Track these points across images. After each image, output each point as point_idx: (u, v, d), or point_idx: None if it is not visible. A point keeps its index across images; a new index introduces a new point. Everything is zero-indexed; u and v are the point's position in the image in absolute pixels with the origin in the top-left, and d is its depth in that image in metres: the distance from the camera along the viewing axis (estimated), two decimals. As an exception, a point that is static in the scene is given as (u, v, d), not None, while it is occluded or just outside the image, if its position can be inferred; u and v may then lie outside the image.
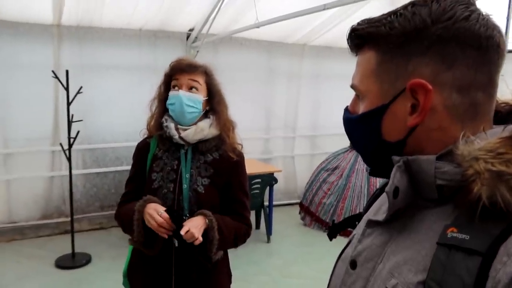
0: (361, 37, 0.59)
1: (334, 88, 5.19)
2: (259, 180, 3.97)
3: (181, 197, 1.37)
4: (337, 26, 4.48)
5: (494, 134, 0.50)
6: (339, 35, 4.65)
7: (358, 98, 0.63)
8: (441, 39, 0.52)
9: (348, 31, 0.61)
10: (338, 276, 0.67)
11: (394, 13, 0.56)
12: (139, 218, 1.30)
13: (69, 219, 3.62)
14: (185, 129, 1.39)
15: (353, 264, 0.63)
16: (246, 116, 4.43)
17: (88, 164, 4.19)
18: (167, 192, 1.38)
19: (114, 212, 1.51)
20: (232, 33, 4.09)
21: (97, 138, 4.18)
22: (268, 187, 4.16)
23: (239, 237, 1.42)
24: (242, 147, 1.51)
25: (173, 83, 1.42)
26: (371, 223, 0.62)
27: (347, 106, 0.66)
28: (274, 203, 4.42)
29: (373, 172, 0.66)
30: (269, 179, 4.10)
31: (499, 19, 0.55)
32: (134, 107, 4.00)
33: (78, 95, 3.40)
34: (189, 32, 4.41)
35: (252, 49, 4.80)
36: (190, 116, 1.39)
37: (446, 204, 0.53)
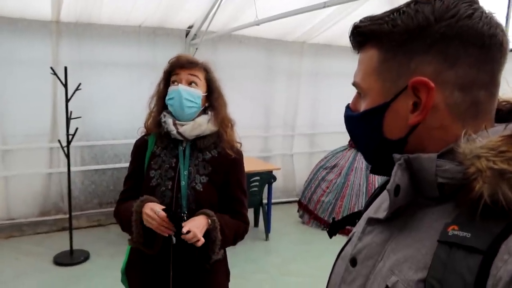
0: (364, 34, 0.59)
1: (334, 86, 5.21)
2: (257, 178, 3.97)
3: (179, 195, 1.37)
4: (337, 24, 4.48)
5: (496, 133, 0.50)
6: (339, 33, 4.65)
7: (359, 95, 0.63)
8: (444, 37, 0.52)
9: (350, 29, 0.61)
10: (338, 274, 0.67)
11: (397, 10, 0.56)
12: (137, 219, 1.29)
13: (67, 216, 3.62)
14: (183, 124, 1.38)
15: (353, 262, 0.63)
16: (245, 114, 4.43)
17: (87, 161, 4.19)
18: (165, 190, 1.37)
19: (112, 209, 1.51)
20: (232, 31, 4.08)
21: (96, 135, 4.17)
22: (266, 185, 4.16)
23: (238, 236, 1.42)
24: (241, 145, 1.51)
25: (172, 78, 1.41)
26: (372, 221, 0.62)
27: (349, 104, 0.66)
28: (273, 201, 4.42)
29: (374, 170, 0.65)
30: (267, 177, 4.10)
31: (499, 19, 0.55)
32: (133, 104, 4.00)
33: (77, 92, 3.39)
34: (188, 29, 4.40)
35: (252, 46, 4.79)
36: (189, 111, 1.38)
37: (447, 202, 0.53)
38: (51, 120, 3.96)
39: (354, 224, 0.76)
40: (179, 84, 1.38)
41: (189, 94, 1.37)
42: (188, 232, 1.21)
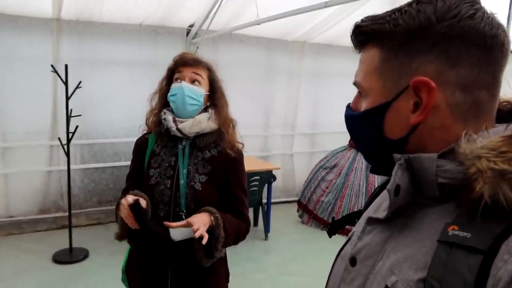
0: (365, 34, 0.59)
1: (334, 86, 5.20)
2: (257, 177, 3.97)
3: (178, 194, 1.36)
4: (338, 24, 4.47)
5: (497, 133, 0.50)
6: (340, 33, 4.65)
7: (360, 95, 0.63)
8: (446, 37, 0.52)
9: (352, 28, 0.61)
10: (337, 273, 0.67)
11: (399, 10, 0.55)
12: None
13: (67, 214, 3.62)
14: (183, 121, 1.38)
15: (352, 261, 0.63)
16: (245, 113, 4.43)
17: (86, 159, 4.19)
18: (164, 188, 1.37)
19: (112, 207, 1.51)
20: (232, 30, 4.08)
21: (96, 133, 4.17)
22: (266, 185, 4.16)
23: (240, 235, 1.42)
24: (243, 146, 1.50)
25: (175, 76, 1.41)
26: (372, 221, 0.62)
27: (349, 103, 0.66)
28: (272, 200, 4.42)
29: (374, 170, 0.65)
30: (267, 177, 4.10)
31: (500, 19, 0.55)
32: (134, 103, 4.00)
33: (77, 89, 3.39)
34: (189, 28, 4.40)
35: (252, 46, 4.79)
36: (191, 109, 1.38)
37: (447, 203, 0.53)
38: (51, 118, 3.96)
39: (353, 224, 0.76)
40: (182, 81, 1.38)
41: (192, 91, 1.37)
42: (197, 230, 1.20)
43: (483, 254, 0.44)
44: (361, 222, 0.68)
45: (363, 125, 0.62)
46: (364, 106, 0.61)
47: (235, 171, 1.44)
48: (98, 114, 4.11)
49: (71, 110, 3.38)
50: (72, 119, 3.39)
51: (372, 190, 3.72)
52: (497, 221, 0.45)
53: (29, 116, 3.84)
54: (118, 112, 4.18)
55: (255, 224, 4.36)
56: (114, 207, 1.25)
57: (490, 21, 0.52)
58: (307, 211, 4.56)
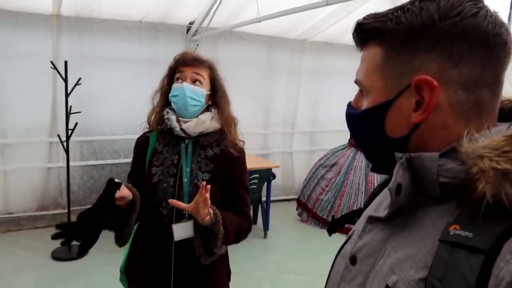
0: (367, 31, 0.58)
1: (334, 84, 5.20)
2: (257, 175, 3.97)
3: (181, 192, 1.36)
4: (339, 22, 4.46)
5: (499, 132, 0.50)
6: (340, 31, 4.64)
7: (362, 93, 0.62)
8: (448, 36, 0.51)
9: (354, 26, 0.60)
10: (337, 272, 0.67)
11: (401, 8, 0.55)
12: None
13: (65, 210, 3.62)
14: (186, 121, 1.38)
15: (353, 260, 0.63)
16: (245, 111, 4.40)
17: (86, 156, 4.18)
18: (167, 186, 1.36)
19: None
20: (233, 27, 4.07)
21: (95, 130, 4.16)
22: (266, 183, 4.16)
23: (241, 233, 1.41)
24: (244, 143, 1.50)
25: (177, 75, 1.41)
26: (372, 219, 0.62)
27: (350, 102, 0.66)
28: (272, 198, 4.42)
29: (375, 169, 0.65)
30: (267, 175, 4.10)
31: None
32: (133, 100, 3.99)
33: (77, 86, 3.39)
34: (189, 25, 4.39)
35: (253, 43, 4.78)
36: (192, 109, 1.38)
37: (448, 202, 0.52)
38: (50, 115, 3.95)
39: (353, 222, 0.76)
40: (184, 82, 1.37)
41: (193, 92, 1.37)
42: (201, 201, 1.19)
43: (484, 254, 0.43)
44: (361, 221, 0.68)
45: (364, 123, 0.61)
46: (365, 104, 0.60)
47: (237, 169, 1.44)
48: (98, 111, 4.10)
49: (70, 107, 3.37)
50: (71, 116, 3.38)
51: (372, 189, 3.72)
52: (499, 221, 0.45)
53: (29, 113, 3.84)
54: (117, 109, 4.17)
55: (254, 222, 4.36)
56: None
57: (493, 19, 0.52)
58: (307, 209, 4.56)
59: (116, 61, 4.13)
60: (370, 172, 4.15)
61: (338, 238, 0.70)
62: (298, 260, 3.63)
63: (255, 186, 4.00)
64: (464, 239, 0.46)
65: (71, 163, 3.62)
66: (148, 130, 1.50)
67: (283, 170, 5.20)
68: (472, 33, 0.51)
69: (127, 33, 4.12)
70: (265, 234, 4.11)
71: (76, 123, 3.38)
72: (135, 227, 1.44)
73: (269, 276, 3.34)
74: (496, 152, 0.46)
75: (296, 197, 4.93)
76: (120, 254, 1.53)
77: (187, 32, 4.42)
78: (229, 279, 1.53)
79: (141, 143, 1.48)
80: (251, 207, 4.20)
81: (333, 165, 4.52)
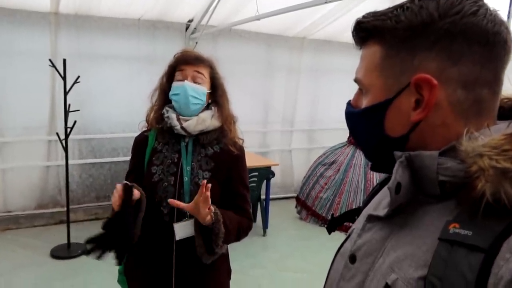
0: (367, 30, 0.58)
1: (334, 82, 5.20)
2: (256, 173, 3.97)
3: (182, 190, 1.36)
4: (338, 20, 4.45)
5: (498, 131, 0.50)
6: (340, 29, 4.63)
7: (361, 92, 0.62)
8: (448, 34, 0.51)
9: (353, 24, 0.60)
10: (337, 270, 0.67)
11: (401, 6, 0.55)
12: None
13: (64, 209, 3.62)
14: (187, 120, 1.37)
15: (352, 259, 0.63)
16: (244, 109, 4.39)
17: (84, 155, 4.18)
18: (167, 185, 1.36)
19: (109, 202, 1.49)
20: (232, 25, 4.07)
21: (94, 128, 4.16)
22: (265, 181, 4.16)
23: (242, 231, 1.41)
24: (243, 141, 1.50)
25: (177, 74, 1.40)
26: (372, 218, 0.62)
27: (350, 100, 0.66)
28: (271, 196, 4.42)
29: (374, 167, 0.65)
30: (266, 173, 4.10)
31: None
32: (132, 98, 3.98)
33: (75, 84, 3.38)
34: (188, 23, 4.38)
35: (252, 41, 4.77)
36: (194, 108, 1.38)
37: (448, 200, 0.52)
38: (49, 113, 3.94)
39: (353, 221, 0.76)
40: (185, 81, 1.37)
41: (195, 91, 1.37)
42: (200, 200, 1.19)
43: (484, 253, 0.44)
44: (360, 219, 0.68)
45: (363, 122, 0.61)
46: (364, 103, 0.60)
47: (237, 168, 1.44)
48: (97, 109, 4.10)
49: (69, 105, 3.36)
50: (70, 114, 3.37)
51: (371, 187, 3.72)
52: (498, 220, 0.45)
53: (27, 111, 3.83)
54: (116, 107, 4.16)
55: (254, 220, 4.37)
56: (112, 202, 1.24)
57: (493, 18, 0.52)
58: (306, 207, 4.57)
59: (114, 59, 4.12)
60: (369, 170, 4.15)
61: (338, 236, 0.70)
62: (297, 258, 3.64)
63: (254, 184, 4.00)
64: (463, 237, 0.46)
65: (70, 161, 3.61)
66: (146, 128, 1.49)
67: (282, 168, 5.20)
68: (471, 32, 0.51)
69: (126, 31, 4.11)
70: (264, 232, 4.12)
71: (75, 121, 3.38)
72: None
73: (268, 274, 3.34)
74: (496, 151, 0.46)
75: (295, 195, 4.93)
76: (119, 253, 1.53)
77: (186, 30, 4.41)
78: (229, 278, 1.53)
79: (140, 142, 1.47)
80: (251, 205, 4.24)
81: (332, 163, 4.53)
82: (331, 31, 4.81)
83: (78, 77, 3.39)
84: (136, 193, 1.26)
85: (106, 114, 4.17)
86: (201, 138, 1.40)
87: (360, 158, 4.37)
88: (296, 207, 4.74)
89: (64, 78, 3.34)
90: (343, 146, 4.64)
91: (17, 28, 3.66)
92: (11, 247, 3.56)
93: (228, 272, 1.52)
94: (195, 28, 4.31)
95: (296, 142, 5.40)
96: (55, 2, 3.61)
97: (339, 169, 4.43)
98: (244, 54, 4.73)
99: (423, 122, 0.54)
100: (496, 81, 0.54)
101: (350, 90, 0.66)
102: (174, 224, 1.33)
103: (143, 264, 1.41)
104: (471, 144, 0.48)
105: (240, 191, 1.44)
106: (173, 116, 1.38)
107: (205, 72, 1.41)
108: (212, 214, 1.25)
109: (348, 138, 4.63)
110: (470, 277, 0.43)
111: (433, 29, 0.52)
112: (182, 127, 1.37)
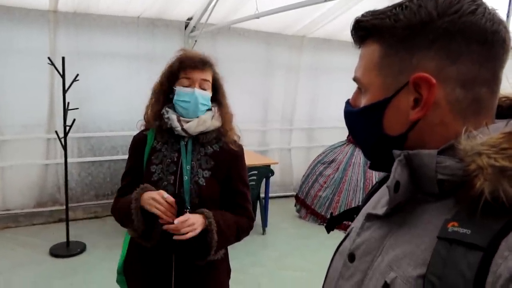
0: (365, 29, 0.58)
1: (333, 81, 5.20)
2: (255, 172, 3.97)
3: (182, 190, 1.35)
4: (337, 19, 4.45)
5: (497, 129, 0.50)
6: (339, 27, 4.63)
7: (360, 91, 0.62)
8: (446, 33, 0.51)
9: (352, 23, 0.60)
10: (336, 269, 0.67)
11: (400, 5, 0.55)
12: (137, 207, 1.28)
13: (63, 207, 3.62)
14: (188, 121, 1.37)
15: (351, 257, 0.63)
16: (244, 108, 4.41)
17: (83, 153, 4.17)
18: (167, 184, 1.36)
19: (109, 201, 1.50)
20: (231, 23, 4.06)
21: (93, 127, 4.16)
22: (264, 179, 4.17)
23: (242, 231, 1.41)
24: (239, 138, 1.50)
25: (183, 79, 1.38)
26: (370, 217, 0.62)
27: (349, 99, 0.66)
28: (270, 195, 4.42)
29: (373, 166, 0.65)
30: (265, 171, 4.10)
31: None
32: (131, 96, 3.98)
33: (74, 82, 3.37)
34: (188, 21, 4.37)
35: (251, 40, 4.76)
36: (201, 113, 1.39)
37: (446, 199, 0.52)
38: (48, 111, 3.94)
39: (352, 219, 0.76)
40: (195, 88, 1.36)
41: (203, 98, 1.38)
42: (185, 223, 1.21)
43: (483, 251, 0.44)
44: (359, 218, 0.68)
45: (362, 121, 0.61)
46: (363, 102, 0.60)
47: (237, 166, 1.45)
48: (96, 107, 4.09)
49: (68, 103, 3.36)
50: (69, 112, 3.37)
51: (370, 185, 3.72)
52: (496, 218, 0.45)
53: (26, 109, 3.82)
54: (115, 106, 4.16)
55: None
56: (111, 201, 1.24)
57: (492, 17, 0.52)
58: (305, 206, 4.57)
59: (113, 57, 4.11)
60: (368, 169, 4.15)
61: (337, 235, 0.70)
62: (297, 257, 3.65)
63: (254, 183, 4.01)
64: (462, 236, 0.46)
65: (69, 160, 3.61)
66: (145, 128, 1.48)
67: (282, 167, 5.21)
68: (470, 31, 0.51)
69: (125, 29, 4.10)
70: (264, 230, 4.12)
71: (74, 120, 3.37)
72: None
73: (267, 272, 3.35)
74: (494, 149, 0.46)
75: (294, 193, 4.93)
76: (117, 251, 1.52)
77: (185, 28, 4.40)
78: (229, 277, 1.53)
79: (139, 141, 1.46)
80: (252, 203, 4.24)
81: (332, 161, 4.53)
82: (331, 29, 4.81)
83: (77, 75, 3.39)
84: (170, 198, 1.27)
85: (105, 112, 4.16)
86: (200, 137, 1.40)
87: (359, 156, 4.37)
88: (295, 205, 4.75)
89: (63, 76, 3.34)
90: (343, 144, 4.64)
91: (16, 26, 3.65)
92: (10, 245, 3.55)
93: (227, 271, 1.52)
94: (194, 26, 4.30)
95: (296, 140, 5.40)
96: (54, 0, 3.60)
97: (338, 168, 4.43)
98: (243, 52, 4.72)
99: (422, 121, 0.54)
100: (494, 80, 0.54)
101: (349, 89, 0.66)
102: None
103: (143, 264, 1.40)
104: (470, 143, 0.48)
105: (240, 189, 1.44)
106: (173, 117, 1.37)
107: (210, 77, 1.41)
108: (206, 222, 1.27)
109: (347, 137, 4.64)
110: (468, 275, 0.43)
111: (431, 28, 0.52)
112: (183, 129, 1.37)
